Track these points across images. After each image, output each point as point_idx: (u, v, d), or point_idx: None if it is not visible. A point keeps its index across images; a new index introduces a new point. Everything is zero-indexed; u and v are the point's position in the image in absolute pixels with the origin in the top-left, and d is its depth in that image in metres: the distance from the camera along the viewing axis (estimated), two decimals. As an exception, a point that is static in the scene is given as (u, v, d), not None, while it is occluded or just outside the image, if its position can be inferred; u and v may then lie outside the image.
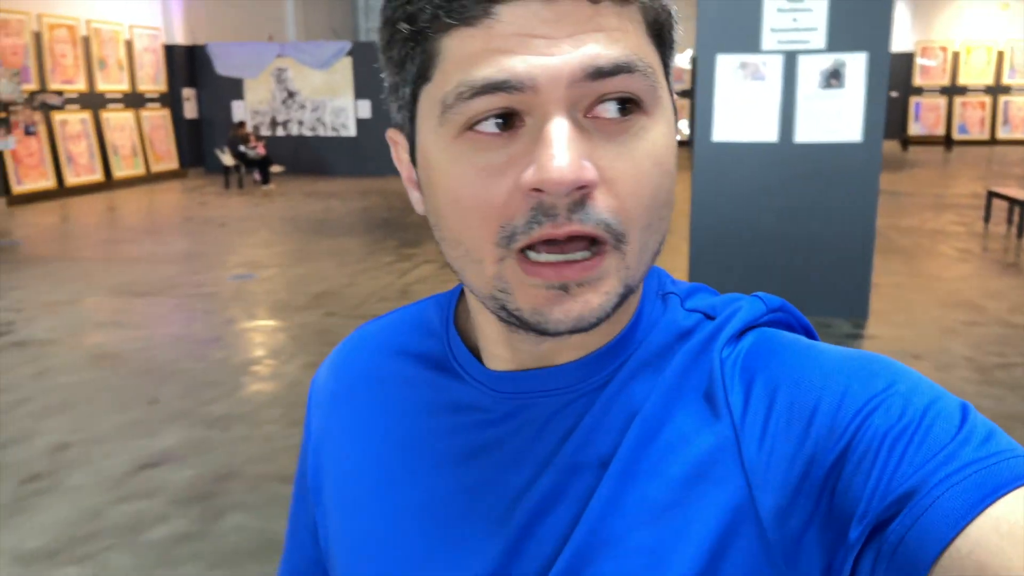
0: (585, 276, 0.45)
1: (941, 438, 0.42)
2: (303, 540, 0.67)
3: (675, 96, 0.51)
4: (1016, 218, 8.13)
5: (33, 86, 11.21)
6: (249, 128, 13.70)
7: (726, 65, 5.06)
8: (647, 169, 0.45)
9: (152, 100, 14.05)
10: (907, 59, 18.34)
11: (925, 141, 18.71)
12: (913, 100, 18.78)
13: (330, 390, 0.64)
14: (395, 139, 0.53)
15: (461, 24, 0.43)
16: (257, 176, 12.88)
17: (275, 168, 12.94)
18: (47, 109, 11.33)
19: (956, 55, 18.63)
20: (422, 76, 0.46)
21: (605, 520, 0.48)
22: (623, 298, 0.47)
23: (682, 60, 20.23)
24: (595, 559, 0.48)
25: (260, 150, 12.79)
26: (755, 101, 5.06)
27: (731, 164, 5.16)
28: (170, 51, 14.37)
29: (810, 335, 0.55)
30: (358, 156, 14.36)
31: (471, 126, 0.45)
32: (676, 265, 6.56)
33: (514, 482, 0.52)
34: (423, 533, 0.54)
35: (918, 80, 18.81)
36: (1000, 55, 18.40)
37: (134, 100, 13.57)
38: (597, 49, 0.43)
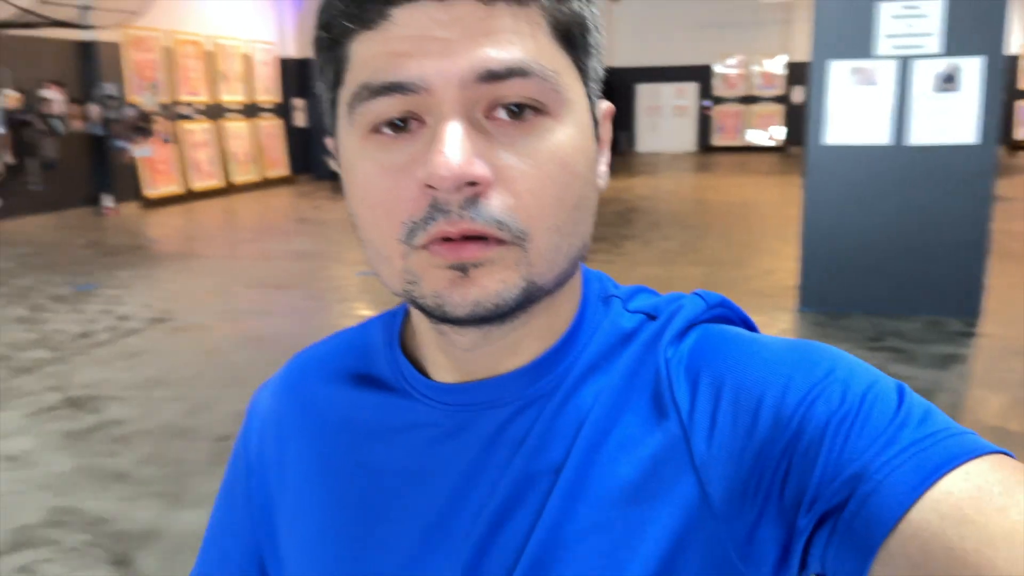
0: (480, 257, 0.45)
1: (880, 421, 0.44)
2: (230, 556, 0.65)
3: (597, 99, 0.52)
4: None
5: (164, 98, 12.09)
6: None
7: (839, 71, 5.23)
8: (551, 171, 0.46)
9: (266, 110, 14.89)
10: (1012, 62, 17.78)
11: (1033, 146, 18.06)
12: (1019, 104, 18.15)
13: (274, 417, 0.63)
14: (331, 146, 0.54)
15: (362, 28, 0.46)
16: (363, 181, 13.52)
17: (381, 174, 13.56)
18: (179, 119, 12.20)
19: (1067, 57, 17.95)
20: (337, 81, 0.49)
21: (560, 526, 0.49)
22: (527, 293, 0.47)
23: (775, 66, 20.06)
24: (553, 566, 0.49)
25: (367, 157, 13.43)
26: (867, 105, 5.22)
27: (843, 166, 5.32)
28: (283, 64, 15.20)
29: (750, 328, 0.56)
30: (457, 162, 14.83)
31: (376, 128, 0.46)
32: (781, 267, 6.71)
33: (472, 496, 0.52)
34: (389, 559, 0.54)
35: (1025, 83, 18.19)
36: (1116, 56, 17.64)
37: (250, 110, 14.42)
38: (489, 52, 0.44)
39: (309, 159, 15.82)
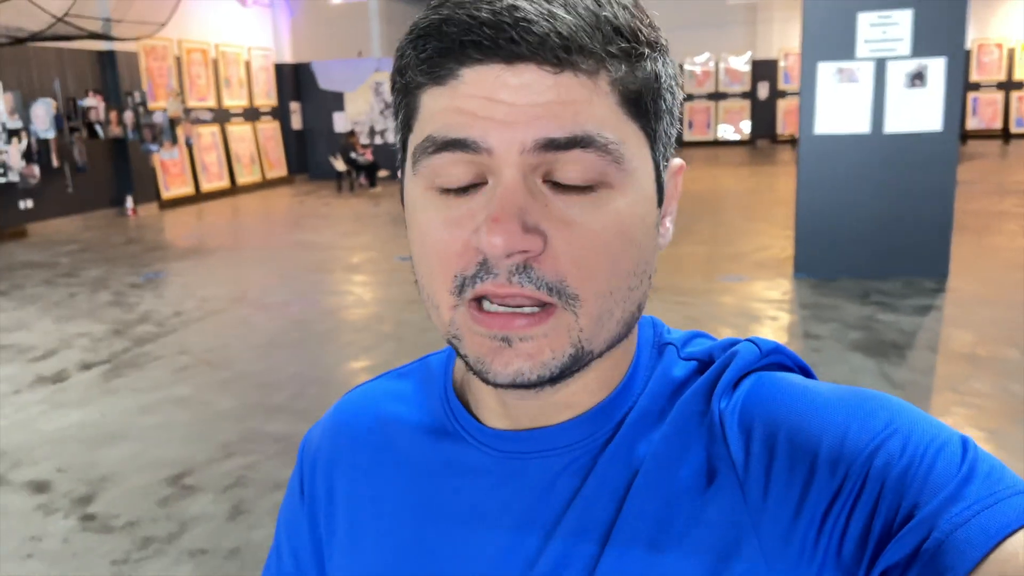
0: (529, 332, 0.46)
1: (944, 475, 0.44)
2: None
3: (666, 159, 0.52)
4: (1075, 199, 9.00)
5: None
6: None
7: (825, 71, 6.15)
8: (606, 239, 0.46)
9: (265, 113, 15.53)
10: (965, 57, 19.06)
11: (983, 135, 19.36)
12: (971, 95, 19.44)
13: (325, 456, 0.64)
14: (400, 180, 0.54)
15: (432, 83, 0.47)
16: (363, 180, 14.26)
17: (382, 172, 14.30)
18: (198, 123, 12.86)
19: (1012, 51, 19.25)
20: (407, 126, 0.50)
21: None
22: (574, 359, 0.47)
23: (739, 63, 21.13)
24: None
25: (368, 156, 14.16)
26: (850, 99, 6.15)
27: (830, 152, 6.25)
28: (279, 69, 15.85)
29: (806, 374, 0.56)
30: (450, 160, 15.62)
31: (437, 179, 0.47)
32: (773, 243, 7.61)
33: (525, 546, 0.52)
34: None
35: (975, 76, 19.47)
36: (1056, 50, 19.03)
37: (251, 114, 15.06)
38: (552, 121, 0.44)
39: (305, 160, 16.50)
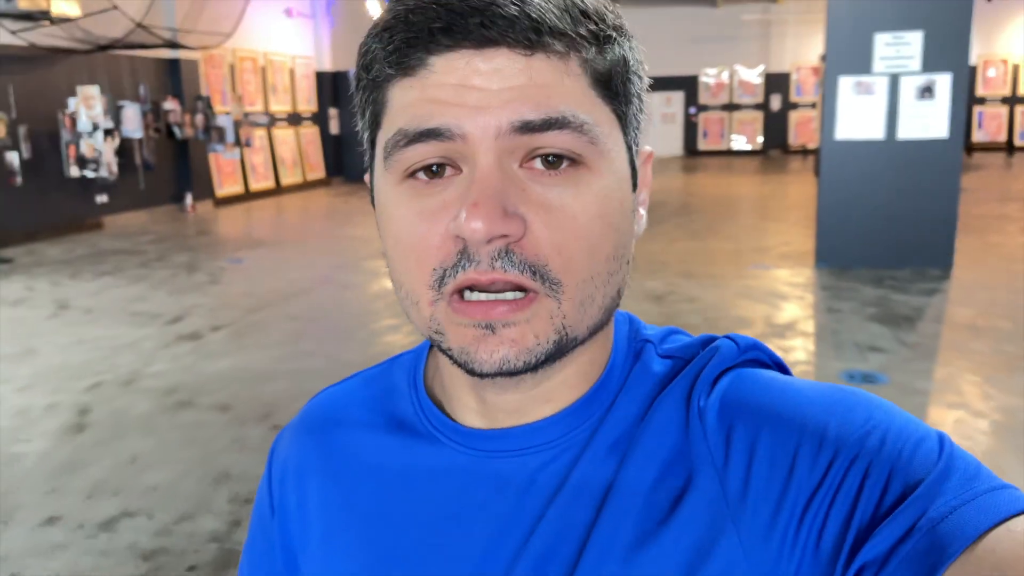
0: (512, 317, 0.46)
1: (922, 471, 0.44)
2: None
3: (637, 145, 0.52)
4: (1070, 204, 9.79)
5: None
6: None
7: (845, 84, 6.97)
8: (586, 222, 0.47)
9: (306, 119, 16.42)
10: (971, 72, 19.84)
11: (988, 148, 20.13)
12: (976, 109, 20.23)
13: (295, 463, 0.63)
14: (368, 182, 0.55)
15: (401, 74, 0.47)
16: (401, 182, 15.12)
17: (418, 175, 15.18)
18: (255, 127, 13.78)
19: (1016, 67, 20.04)
20: (375, 123, 0.50)
21: None
22: (558, 346, 0.48)
23: (752, 76, 21.95)
24: None
25: (405, 160, 15.04)
26: (867, 109, 6.97)
27: (849, 156, 7.07)
28: (320, 76, 16.75)
29: (783, 371, 0.56)
30: (480, 165, 16.46)
31: (411, 173, 0.48)
32: (794, 240, 8.38)
33: (507, 546, 0.52)
34: None
35: (981, 91, 20.26)
36: (1059, 66, 19.83)
37: (294, 119, 15.94)
38: (526, 103, 0.45)
39: (342, 163, 17.38)
